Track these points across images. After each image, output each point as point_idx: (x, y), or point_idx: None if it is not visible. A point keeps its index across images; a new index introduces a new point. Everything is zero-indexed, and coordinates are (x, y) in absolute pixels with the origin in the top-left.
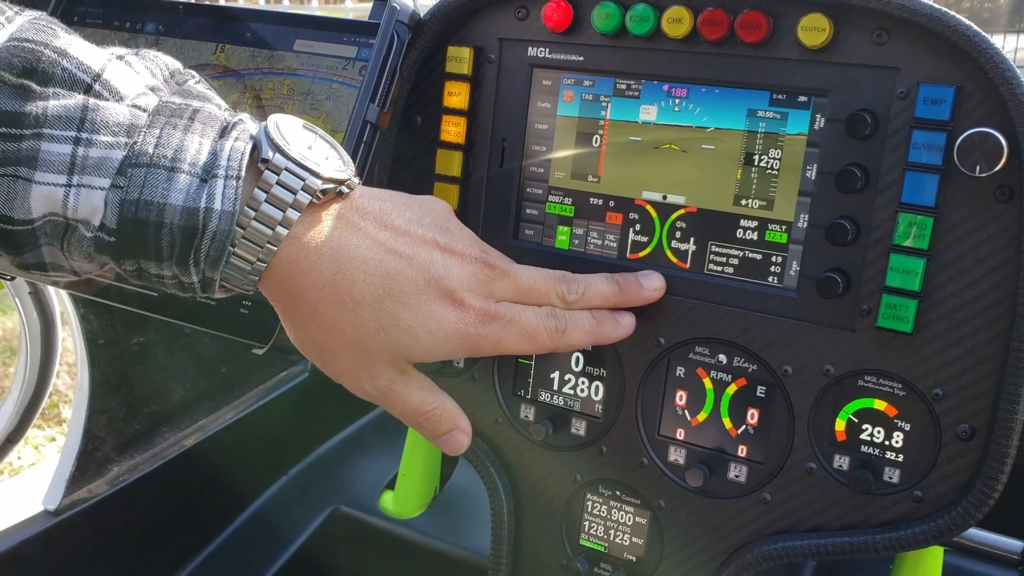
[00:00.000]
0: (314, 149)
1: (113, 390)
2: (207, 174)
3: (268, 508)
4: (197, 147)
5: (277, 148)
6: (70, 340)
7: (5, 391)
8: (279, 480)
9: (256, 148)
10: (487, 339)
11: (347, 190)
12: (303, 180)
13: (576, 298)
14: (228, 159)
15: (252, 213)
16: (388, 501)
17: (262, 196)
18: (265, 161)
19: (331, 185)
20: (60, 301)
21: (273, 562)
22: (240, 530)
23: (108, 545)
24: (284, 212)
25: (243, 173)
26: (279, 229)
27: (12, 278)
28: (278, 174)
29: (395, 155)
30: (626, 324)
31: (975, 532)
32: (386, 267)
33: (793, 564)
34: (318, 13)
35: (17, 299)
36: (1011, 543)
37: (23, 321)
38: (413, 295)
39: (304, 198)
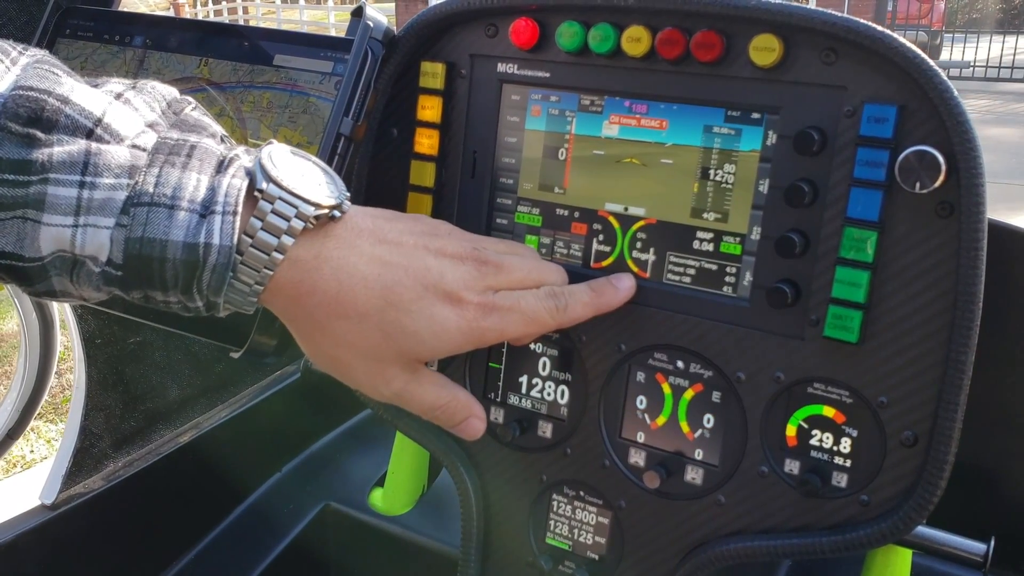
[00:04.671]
0: (307, 176)
1: (110, 388)
2: (206, 210)
3: (262, 503)
4: (195, 184)
5: (271, 178)
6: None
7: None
8: (273, 476)
9: (252, 180)
10: (490, 330)
11: (339, 213)
12: (296, 208)
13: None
14: (225, 195)
15: (249, 240)
16: (377, 498)
17: (258, 224)
18: (260, 191)
19: (324, 211)
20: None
21: (266, 556)
22: (234, 524)
23: (104, 539)
24: (279, 238)
25: (240, 208)
26: (275, 254)
27: None
28: (272, 203)
29: (372, 165)
30: (625, 287)
31: (941, 535)
32: (384, 279)
33: (768, 564)
34: (305, 14)
35: (16, 299)
36: (975, 545)
37: (22, 320)
38: (414, 302)
39: (298, 224)
